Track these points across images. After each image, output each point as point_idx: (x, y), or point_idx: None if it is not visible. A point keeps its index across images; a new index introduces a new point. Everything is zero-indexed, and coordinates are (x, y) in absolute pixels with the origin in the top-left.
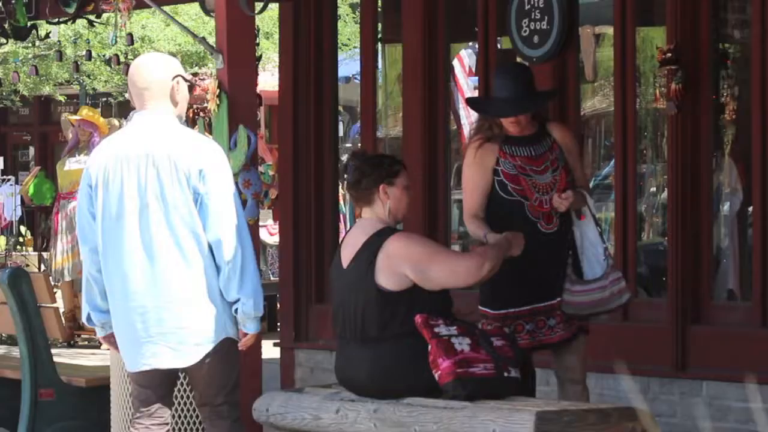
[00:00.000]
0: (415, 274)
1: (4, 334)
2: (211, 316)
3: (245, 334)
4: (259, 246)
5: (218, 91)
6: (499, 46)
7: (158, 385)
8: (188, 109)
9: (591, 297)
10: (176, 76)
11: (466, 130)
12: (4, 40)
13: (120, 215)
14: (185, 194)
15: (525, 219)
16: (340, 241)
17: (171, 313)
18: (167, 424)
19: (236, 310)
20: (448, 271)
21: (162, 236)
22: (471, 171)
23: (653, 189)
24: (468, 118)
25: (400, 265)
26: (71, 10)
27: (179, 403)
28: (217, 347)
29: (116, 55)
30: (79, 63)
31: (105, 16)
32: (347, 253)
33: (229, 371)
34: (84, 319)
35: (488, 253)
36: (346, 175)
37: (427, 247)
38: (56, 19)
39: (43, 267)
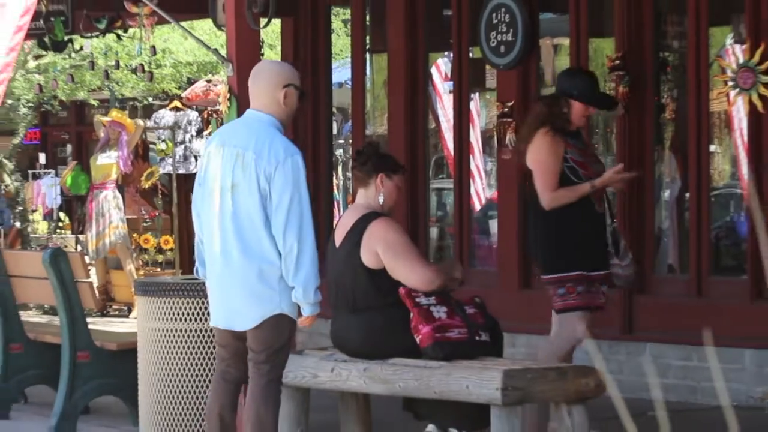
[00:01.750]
0: (384, 256)
1: (46, 305)
2: (267, 294)
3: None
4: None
5: (229, 95)
6: (470, 55)
7: (227, 345)
8: (203, 111)
9: (628, 272)
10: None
11: (444, 127)
12: (45, 52)
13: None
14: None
15: (588, 200)
16: (334, 224)
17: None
18: (235, 381)
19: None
20: (407, 270)
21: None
22: (547, 156)
23: None
24: (445, 116)
25: (376, 244)
26: (102, 26)
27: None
28: (269, 318)
29: (141, 65)
30: (109, 72)
31: (131, 30)
32: (340, 234)
33: (276, 338)
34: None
35: (441, 273)
36: (355, 157)
37: (403, 241)
38: (89, 34)
39: (79, 248)
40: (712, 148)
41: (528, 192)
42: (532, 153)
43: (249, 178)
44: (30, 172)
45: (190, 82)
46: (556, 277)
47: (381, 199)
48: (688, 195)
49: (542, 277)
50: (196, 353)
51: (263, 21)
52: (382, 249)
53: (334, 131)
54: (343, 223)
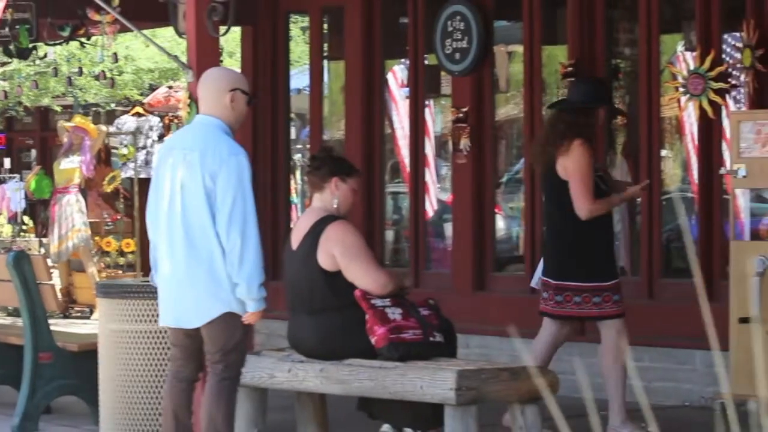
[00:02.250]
0: (340, 259)
1: (9, 307)
2: (216, 292)
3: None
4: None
5: (189, 101)
6: (426, 61)
7: (179, 344)
8: (164, 117)
9: None
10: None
11: (399, 134)
12: (10, 60)
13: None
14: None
15: (610, 211)
16: (291, 227)
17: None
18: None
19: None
20: (362, 273)
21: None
22: (587, 167)
23: None
24: (400, 123)
25: (333, 247)
26: (66, 34)
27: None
28: (219, 317)
29: (103, 72)
30: (72, 78)
31: (94, 38)
32: (296, 237)
33: (228, 336)
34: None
35: (394, 279)
36: (309, 162)
37: (359, 244)
38: (53, 42)
39: (42, 250)
40: (664, 152)
41: (553, 200)
42: (570, 164)
43: (195, 178)
44: None
45: (152, 88)
46: (594, 285)
47: (335, 203)
48: (639, 199)
49: (575, 283)
50: (156, 354)
51: (223, 29)
52: (339, 251)
53: (293, 136)
54: (299, 226)
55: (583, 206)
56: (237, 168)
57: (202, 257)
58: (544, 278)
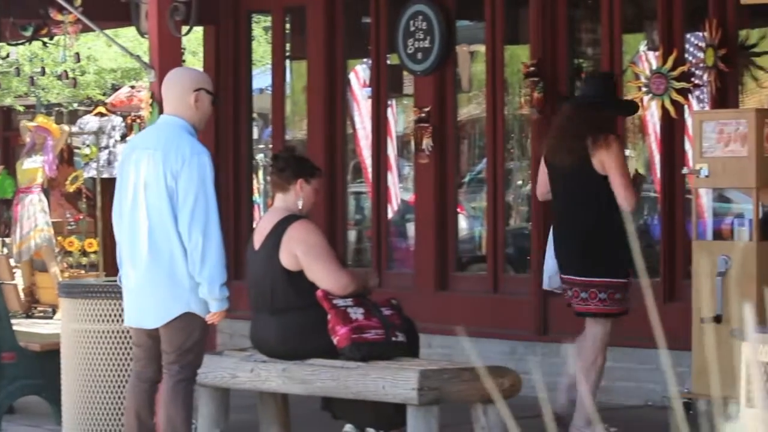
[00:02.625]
0: (302, 258)
1: None
2: (176, 292)
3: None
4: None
5: (151, 100)
6: (388, 61)
7: (142, 345)
8: (127, 116)
9: None
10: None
11: (361, 134)
12: None
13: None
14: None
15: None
16: (254, 227)
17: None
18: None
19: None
20: (324, 273)
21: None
22: (624, 160)
23: (519, 182)
24: (362, 123)
25: (295, 246)
26: (28, 34)
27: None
28: (179, 317)
29: (66, 72)
30: (34, 78)
31: (56, 38)
32: (259, 237)
33: (186, 337)
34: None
35: (357, 280)
36: (273, 163)
37: (322, 244)
38: (15, 41)
39: (5, 250)
40: (627, 152)
41: (578, 195)
42: (610, 159)
43: (157, 177)
44: None
45: (114, 88)
46: (607, 281)
47: (300, 204)
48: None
49: (589, 279)
50: (119, 354)
51: (185, 28)
52: (301, 251)
53: (255, 136)
54: (262, 226)
55: (631, 198)
56: (199, 167)
57: (163, 257)
58: (569, 276)
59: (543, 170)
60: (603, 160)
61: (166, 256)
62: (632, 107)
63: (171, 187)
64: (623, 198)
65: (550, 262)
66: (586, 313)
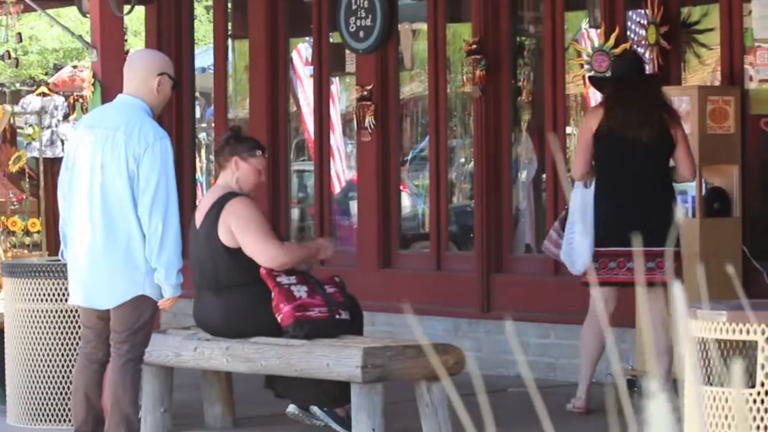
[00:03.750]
0: (236, 233)
1: None
2: (131, 274)
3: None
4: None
5: (93, 80)
6: (330, 39)
7: (92, 326)
8: (69, 96)
9: None
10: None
11: (305, 111)
12: None
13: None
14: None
15: None
16: (197, 205)
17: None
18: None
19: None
20: (256, 247)
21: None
22: None
23: (462, 160)
24: (306, 100)
25: (231, 221)
26: None
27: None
28: (132, 299)
29: (7, 51)
30: None
31: None
32: (200, 215)
33: (137, 318)
34: None
35: (293, 254)
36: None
37: (255, 218)
38: None
39: None
40: (569, 129)
41: (655, 166)
42: (681, 130)
43: (118, 158)
44: None
45: (57, 68)
46: (679, 249)
47: (235, 181)
48: (544, 176)
49: (667, 248)
50: (63, 333)
51: (127, 8)
52: (235, 225)
53: (197, 115)
54: (202, 204)
55: (692, 167)
56: (162, 152)
57: (120, 239)
58: (653, 248)
59: (589, 148)
60: (677, 132)
61: (124, 238)
62: None
63: (132, 170)
64: (692, 168)
65: (585, 243)
66: (654, 283)
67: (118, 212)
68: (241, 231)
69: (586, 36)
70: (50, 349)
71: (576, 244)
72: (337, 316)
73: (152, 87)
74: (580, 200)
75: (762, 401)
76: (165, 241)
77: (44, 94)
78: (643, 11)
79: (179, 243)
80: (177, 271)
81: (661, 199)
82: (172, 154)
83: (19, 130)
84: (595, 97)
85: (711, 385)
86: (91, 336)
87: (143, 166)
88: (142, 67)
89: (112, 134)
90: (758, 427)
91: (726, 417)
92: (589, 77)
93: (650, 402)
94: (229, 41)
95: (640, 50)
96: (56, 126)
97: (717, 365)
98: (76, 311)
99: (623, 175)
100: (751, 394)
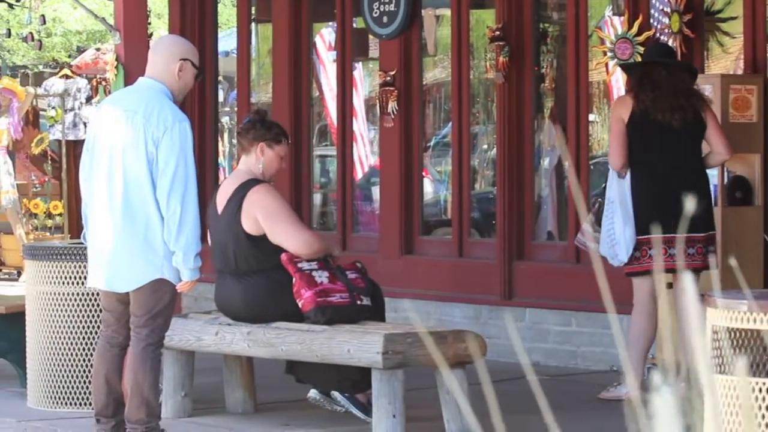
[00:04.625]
0: (263, 222)
1: None
2: (150, 257)
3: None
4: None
5: (116, 63)
6: (354, 25)
7: (112, 310)
8: (92, 79)
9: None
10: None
11: (328, 96)
12: None
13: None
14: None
15: None
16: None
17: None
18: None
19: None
20: (287, 235)
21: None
22: None
23: (485, 146)
24: (329, 85)
25: (256, 211)
26: None
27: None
28: (150, 282)
29: (31, 33)
30: (0, 40)
31: (22, 0)
32: (221, 200)
33: (156, 302)
34: None
35: (323, 242)
36: (241, 125)
37: (281, 206)
38: None
39: None
40: (591, 117)
41: (694, 151)
42: (713, 114)
43: (137, 141)
44: None
45: (80, 50)
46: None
47: (260, 167)
48: (567, 163)
49: (707, 233)
50: (84, 316)
51: None
52: (262, 215)
53: (221, 99)
54: (224, 189)
55: (729, 152)
56: (181, 135)
57: (139, 222)
58: (695, 234)
59: (623, 136)
60: (708, 116)
61: (142, 221)
62: None
63: (151, 153)
64: (726, 142)
65: (629, 232)
66: (696, 268)
67: (136, 195)
68: (270, 221)
69: (610, 23)
70: (71, 333)
71: (617, 235)
72: (359, 302)
73: (173, 71)
74: (616, 191)
75: None
76: (183, 224)
77: (67, 77)
78: None
79: (198, 226)
80: (195, 254)
81: (699, 185)
82: (191, 137)
83: (41, 113)
84: (618, 84)
85: (729, 375)
86: (112, 320)
87: (162, 149)
88: (166, 51)
89: (131, 117)
90: None
91: (737, 407)
92: (620, 63)
93: (656, 394)
94: (253, 25)
95: (663, 38)
96: (79, 108)
97: (729, 355)
98: (97, 295)
99: (660, 163)
100: None
